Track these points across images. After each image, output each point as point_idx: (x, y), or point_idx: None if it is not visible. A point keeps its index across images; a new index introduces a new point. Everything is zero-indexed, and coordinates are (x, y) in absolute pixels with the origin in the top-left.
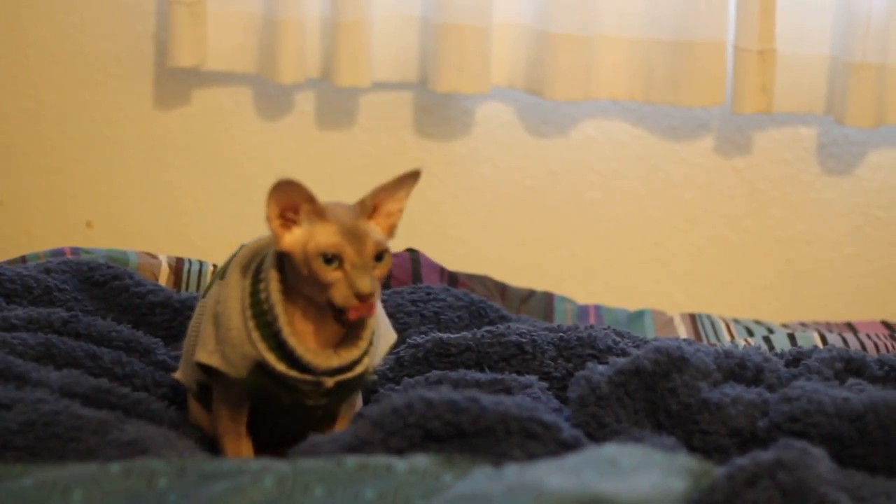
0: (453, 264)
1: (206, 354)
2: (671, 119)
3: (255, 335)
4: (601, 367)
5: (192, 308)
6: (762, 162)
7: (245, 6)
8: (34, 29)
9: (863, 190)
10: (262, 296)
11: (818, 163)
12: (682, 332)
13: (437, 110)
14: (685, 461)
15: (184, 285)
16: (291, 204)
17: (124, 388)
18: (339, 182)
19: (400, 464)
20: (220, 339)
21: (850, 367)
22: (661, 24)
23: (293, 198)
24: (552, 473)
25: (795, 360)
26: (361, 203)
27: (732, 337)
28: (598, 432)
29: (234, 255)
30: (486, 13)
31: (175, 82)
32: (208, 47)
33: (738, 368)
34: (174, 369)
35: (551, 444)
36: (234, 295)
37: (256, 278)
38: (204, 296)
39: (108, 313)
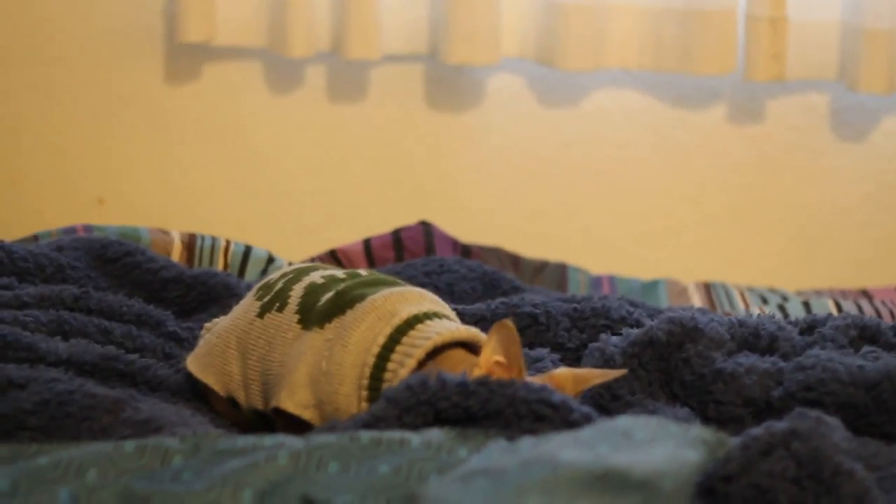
0: (466, 236)
1: (300, 407)
2: (683, 87)
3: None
4: (614, 339)
5: (204, 283)
6: (774, 129)
7: None
8: (43, 6)
9: (876, 156)
10: (384, 386)
11: (831, 130)
12: (697, 301)
13: (448, 82)
14: (700, 432)
15: (196, 261)
16: (512, 357)
17: (132, 355)
18: (350, 155)
19: (414, 438)
20: (321, 399)
21: (864, 334)
22: None
23: (515, 356)
24: (567, 447)
25: (810, 327)
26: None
27: (747, 305)
28: (611, 404)
29: (304, 279)
30: None
31: (185, 57)
32: (217, 22)
33: (752, 338)
34: (184, 339)
35: (562, 425)
36: (351, 362)
37: (382, 364)
38: (261, 314)
39: (121, 290)
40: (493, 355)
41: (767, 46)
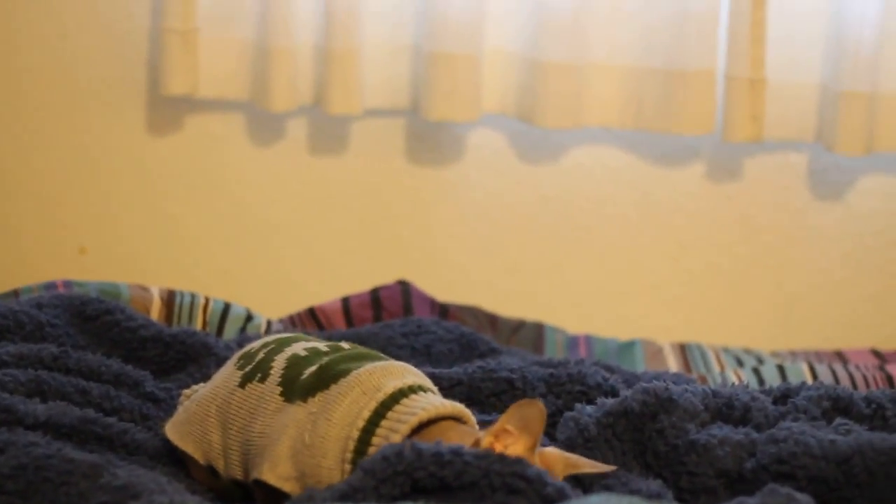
0: (444, 291)
1: (281, 479)
2: (662, 146)
3: None
4: (589, 409)
5: (182, 342)
6: (753, 188)
7: (237, 34)
8: (27, 56)
9: (854, 216)
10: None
11: (809, 189)
12: (672, 362)
13: (429, 137)
14: None
15: (175, 318)
16: (527, 431)
17: (110, 418)
18: (331, 208)
19: None
20: (304, 471)
21: (837, 405)
22: (652, 53)
23: (531, 430)
24: None
25: (784, 396)
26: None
27: (722, 367)
28: (586, 476)
29: (282, 351)
30: (477, 41)
31: (167, 109)
32: (200, 75)
33: (726, 408)
34: (162, 400)
35: (536, 499)
36: (335, 436)
37: (367, 438)
38: (242, 384)
39: (100, 348)
40: (507, 424)
41: (746, 108)
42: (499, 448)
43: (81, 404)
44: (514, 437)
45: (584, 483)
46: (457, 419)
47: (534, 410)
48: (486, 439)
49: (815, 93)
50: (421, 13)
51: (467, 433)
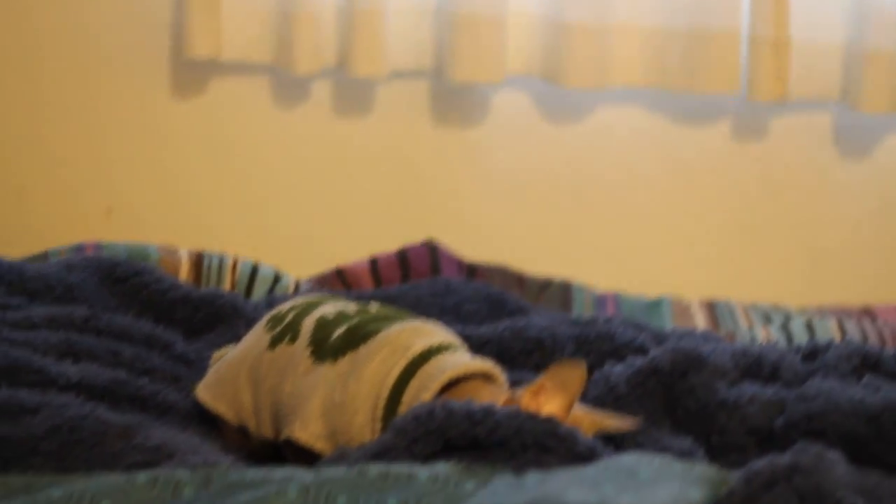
0: (470, 251)
1: (313, 437)
2: (687, 105)
3: None
4: (619, 367)
5: (211, 304)
6: (778, 147)
7: None
8: (51, 21)
9: (879, 173)
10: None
11: (834, 146)
12: (700, 319)
13: (454, 99)
14: (703, 470)
15: (204, 279)
16: (564, 390)
17: (141, 379)
18: (356, 170)
19: (422, 472)
20: (336, 429)
21: (866, 362)
22: (676, 13)
23: (568, 390)
24: (573, 486)
25: (812, 354)
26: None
27: (750, 324)
28: (616, 434)
29: (313, 312)
30: (501, 3)
31: (191, 72)
32: (224, 38)
33: (755, 366)
34: (193, 361)
35: (567, 457)
36: (366, 394)
37: (397, 397)
38: (272, 345)
39: (129, 310)
40: (546, 382)
41: (770, 67)
42: (533, 405)
43: (113, 365)
44: (550, 394)
45: (615, 440)
46: (487, 376)
47: (575, 371)
48: (525, 396)
49: (840, 52)
50: None
51: (499, 392)
